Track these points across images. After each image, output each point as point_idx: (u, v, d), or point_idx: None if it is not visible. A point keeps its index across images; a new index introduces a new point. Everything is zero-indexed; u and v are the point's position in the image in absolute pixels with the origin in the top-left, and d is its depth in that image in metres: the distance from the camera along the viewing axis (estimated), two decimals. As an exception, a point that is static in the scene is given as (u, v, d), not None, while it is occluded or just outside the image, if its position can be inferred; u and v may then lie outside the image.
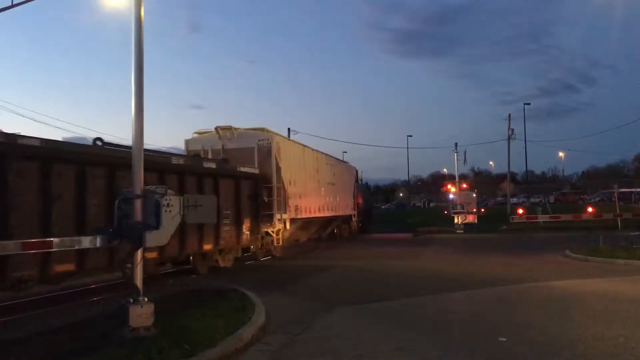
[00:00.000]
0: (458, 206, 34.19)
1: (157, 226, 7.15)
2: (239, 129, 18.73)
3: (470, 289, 11.49)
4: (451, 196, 36.49)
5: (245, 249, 17.10)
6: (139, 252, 7.23)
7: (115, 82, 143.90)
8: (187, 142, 19.25)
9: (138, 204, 7.20)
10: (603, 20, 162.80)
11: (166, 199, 7.26)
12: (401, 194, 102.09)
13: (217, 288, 11.14)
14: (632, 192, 51.15)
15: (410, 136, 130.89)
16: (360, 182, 39.13)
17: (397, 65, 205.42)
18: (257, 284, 12.26)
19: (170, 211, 7.26)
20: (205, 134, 19.31)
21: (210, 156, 17.56)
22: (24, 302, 10.19)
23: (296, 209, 20.15)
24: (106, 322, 7.66)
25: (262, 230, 17.44)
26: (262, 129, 18.98)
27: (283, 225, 18.64)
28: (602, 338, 7.00)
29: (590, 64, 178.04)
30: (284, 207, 18.61)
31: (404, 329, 7.93)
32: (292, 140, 21.70)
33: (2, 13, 13.01)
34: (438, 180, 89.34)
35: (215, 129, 18.63)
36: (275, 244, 18.51)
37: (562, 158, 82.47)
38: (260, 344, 7.26)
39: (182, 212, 7.47)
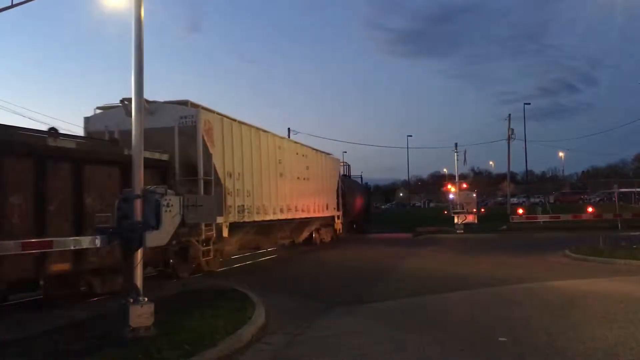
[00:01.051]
0: (458, 206, 34.20)
1: (157, 226, 7.16)
2: (154, 102, 13.93)
3: (470, 289, 11.48)
4: (451, 196, 36.49)
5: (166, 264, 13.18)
6: (139, 252, 7.24)
7: (116, 82, 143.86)
8: (86, 120, 14.67)
9: (138, 204, 7.20)
10: (604, 20, 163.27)
11: (166, 199, 7.28)
12: (401, 194, 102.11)
13: (217, 288, 11.14)
14: (632, 192, 51.12)
15: (410, 136, 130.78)
16: (361, 181, 39.03)
17: (397, 65, 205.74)
18: (257, 284, 12.26)
19: (170, 211, 7.27)
20: (110, 110, 14.65)
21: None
22: (23, 302, 10.18)
23: (241, 210, 15.76)
24: (106, 322, 7.67)
25: (184, 239, 12.93)
26: (186, 103, 14.32)
27: (216, 233, 14.17)
28: (602, 338, 7.00)
29: (590, 64, 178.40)
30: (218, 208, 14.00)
31: (404, 329, 7.93)
32: (235, 120, 16.21)
33: (2, 13, 13.01)
34: (438, 181, 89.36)
35: (122, 102, 13.74)
36: (203, 258, 13.82)
37: (562, 158, 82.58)
38: (260, 343, 7.26)
39: (182, 212, 7.47)
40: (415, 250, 22.07)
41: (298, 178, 20.93)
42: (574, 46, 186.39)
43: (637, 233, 22.90)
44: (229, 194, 15.09)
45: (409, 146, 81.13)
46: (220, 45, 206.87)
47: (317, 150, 25.07)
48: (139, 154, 7.51)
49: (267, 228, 18.12)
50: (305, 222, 22.14)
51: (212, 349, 6.46)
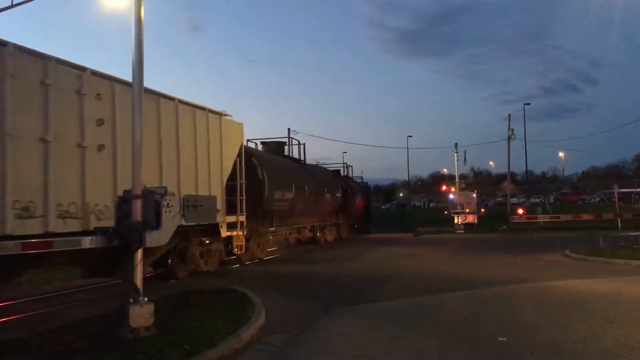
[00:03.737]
0: (458, 206, 34.23)
1: (157, 226, 7.17)
2: None
3: (470, 289, 11.48)
4: (451, 196, 36.51)
5: None
6: (139, 252, 7.25)
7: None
8: None
9: (138, 204, 7.21)
10: (604, 20, 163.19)
11: (166, 199, 7.28)
12: (401, 194, 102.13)
13: (217, 288, 11.13)
14: (632, 192, 51.16)
15: (410, 136, 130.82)
16: (360, 181, 38.96)
17: (398, 65, 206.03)
18: (257, 284, 12.26)
19: (170, 211, 7.28)
20: None
21: None
22: (24, 302, 10.19)
23: None
24: (106, 322, 7.66)
25: None
26: None
27: None
28: (602, 338, 7.00)
29: (591, 64, 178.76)
30: None
31: (404, 329, 7.92)
32: None
33: (2, 13, 12.98)
34: (438, 181, 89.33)
35: None
36: None
37: (562, 158, 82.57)
38: (260, 344, 7.26)
39: (182, 212, 7.49)
40: (415, 251, 22.06)
41: (69, 145, 8.88)
42: (575, 46, 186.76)
43: (637, 233, 22.91)
44: None
45: (409, 146, 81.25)
46: (220, 45, 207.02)
47: (157, 93, 11.70)
48: (139, 153, 7.50)
49: None
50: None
51: (212, 349, 6.46)
